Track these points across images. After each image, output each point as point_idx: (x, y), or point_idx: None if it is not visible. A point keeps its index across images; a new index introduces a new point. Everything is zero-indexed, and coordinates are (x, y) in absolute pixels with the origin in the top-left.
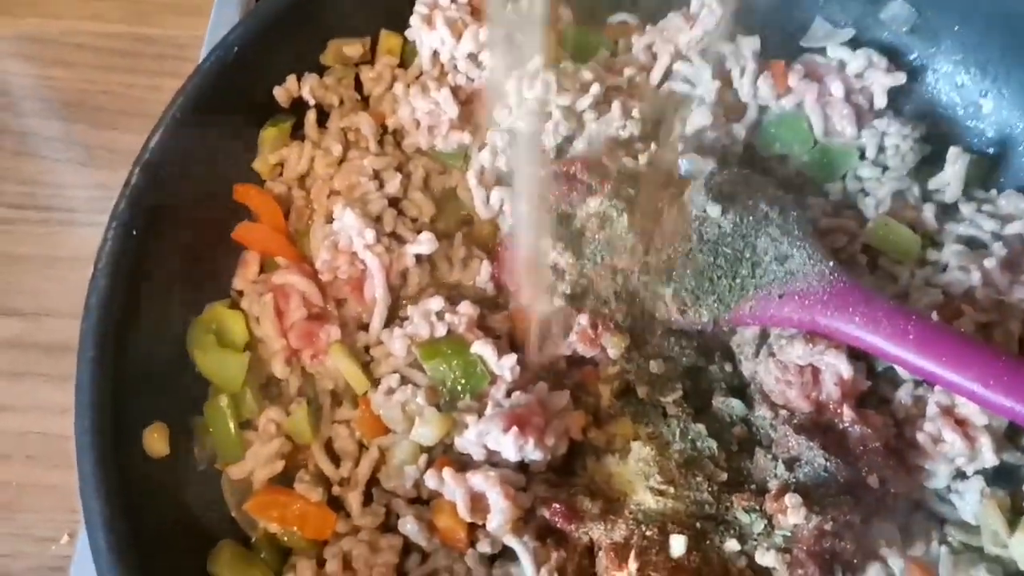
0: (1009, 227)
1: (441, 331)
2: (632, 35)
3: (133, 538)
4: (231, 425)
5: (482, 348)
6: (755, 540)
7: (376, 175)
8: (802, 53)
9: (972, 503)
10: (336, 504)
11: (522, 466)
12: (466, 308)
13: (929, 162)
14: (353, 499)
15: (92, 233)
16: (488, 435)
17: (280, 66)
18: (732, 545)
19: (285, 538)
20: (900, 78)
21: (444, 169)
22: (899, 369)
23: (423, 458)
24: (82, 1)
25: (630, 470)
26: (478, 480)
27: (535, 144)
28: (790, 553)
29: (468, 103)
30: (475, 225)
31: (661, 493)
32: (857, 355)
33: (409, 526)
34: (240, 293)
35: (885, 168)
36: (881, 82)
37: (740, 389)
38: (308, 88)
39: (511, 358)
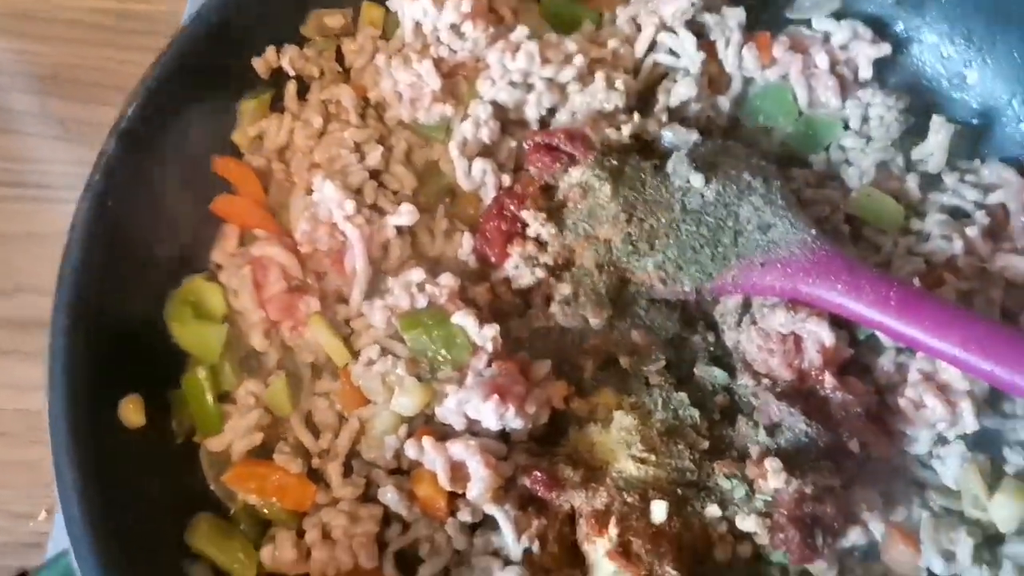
0: (992, 196)
1: (422, 302)
2: (617, 7)
3: (107, 507)
4: (209, 397)
5: (463, 319)
6: (736, 506)
7: (357, 147)
8: (788, 25)
9: (953, 468)
10: (316, 476)
11: (503, 435)
12: (447, 280)
13: (913, 133)
14: (333, 470)
15: (70, 209)
16: (468, 404)
17: (260, 37)
18: (713, 511)
19: (264, 510)
20: (885, 49)
21: (426, 142)
22: (881, 336)
23: (403, 428)
24: None
25: (612, 439)
26: (458, 449)
27: None
28: (771, 518)
29: (451, 75)
30: (457, 197)
31: (643, 461)
32: (839, 323)
33: (389, 495)
34: (219, 266)
35: (869, 139)
36: (866, 53)
37: (723, 358)
38: (288, 59)
39: (492, 328)
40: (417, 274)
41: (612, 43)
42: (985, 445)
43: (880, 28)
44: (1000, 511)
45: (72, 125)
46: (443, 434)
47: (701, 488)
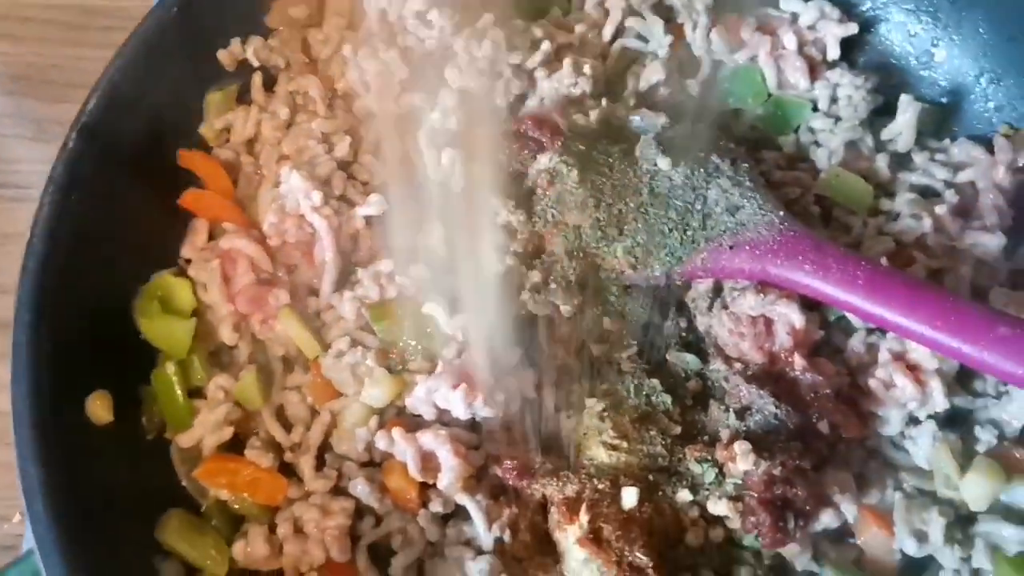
0: (961, 175)
1: (391, 293)
2: None
3: (73, 504)
4: (179, 392)
5: (433, 309)
6: (707, 490)
7: (325, 138)
8: (755, 7)
9: (925, 448)
10: (288, 470)
11: (474, 425)
12: (417, 270)
13: (883, 113)
14: (305, 464)
15: None
16: (436, 392)
17: (224, 28)
18: (684, 496)
19: (236, 505)
20: (852, 28)
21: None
22: (852, 318)
23: (374, 420)
24: None
25: (584, 426)
26: (428, 439)
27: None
28: (742, 501)
29: (418, 65)
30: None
31: (614, 448)
32: (810, 306)
33: (360, 487)
34: (188, 261)
35: (838, 119)
36: (833, 33)
37: (695, 344)
38: (252, 50)
39: (463, 318)
40: (386, 265)
41: (579, 28)
42: (957, 424)
43: (848, 8)
44: (971, 490)
45: (47, 125)
46: (415, 425)
47: (672, 473)
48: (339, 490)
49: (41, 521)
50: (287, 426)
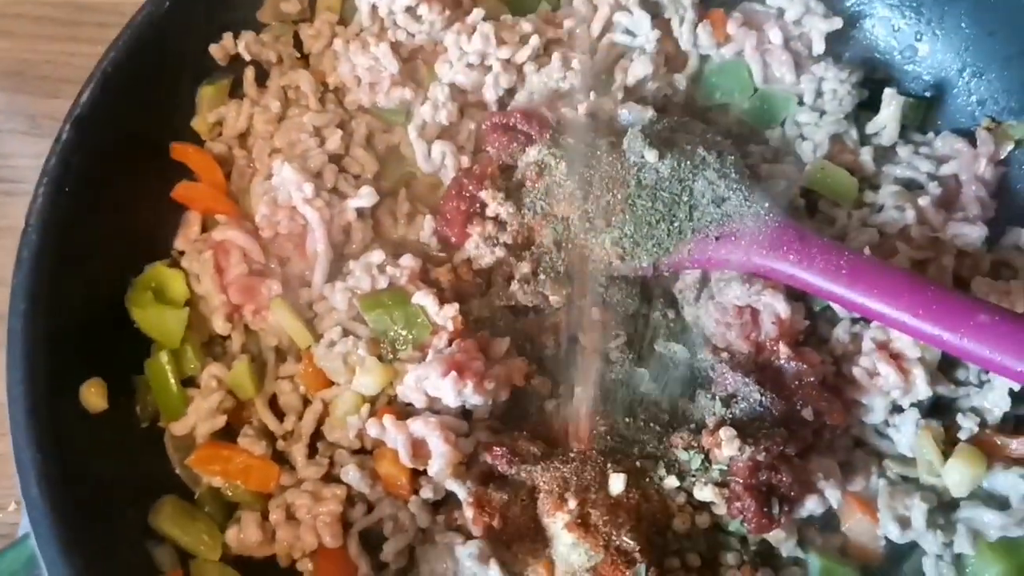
0: (944, 167)
1: (382, 283)
2: None
3: (68, 489)
4: (172, 381)
5: (423, 298)
6: (693, 476)
7: (317, 132)
8: (741, 1)
9: (908, 435)
10: (281, 458)
11: (465, 413)
12: (408, 261)
13: (868, 107)
14: (297, 452)
15: None
16: (426, 380)
17: (216, 23)
18: (671, 482)
19: (229, 492)
20: (837, 23)
21: (387, 127)
22: (836, 308)
23: (366, 408)
24: None
25: (572, 415)
26: (418, 426)
27: None
28: (727, 487)
29: (409, 59)
30: (418, 180)
31: (603, 436)
32: (796, 296)
33: (351, 474)
34: (181, 253)
35: (823, 113)
36: (818, 27)
37: (682, 334)
38: (244, 45)
39: (452, 308)
40: (377, 255)
41: (568, 23)
42: (939, 413)
43: (832, 2)
44: (953, 476)
45: (41, 120)
46: (405, 414)
47: (660, 460)
48: (331, 477)
49: (37, 506)
50: (279, 415)
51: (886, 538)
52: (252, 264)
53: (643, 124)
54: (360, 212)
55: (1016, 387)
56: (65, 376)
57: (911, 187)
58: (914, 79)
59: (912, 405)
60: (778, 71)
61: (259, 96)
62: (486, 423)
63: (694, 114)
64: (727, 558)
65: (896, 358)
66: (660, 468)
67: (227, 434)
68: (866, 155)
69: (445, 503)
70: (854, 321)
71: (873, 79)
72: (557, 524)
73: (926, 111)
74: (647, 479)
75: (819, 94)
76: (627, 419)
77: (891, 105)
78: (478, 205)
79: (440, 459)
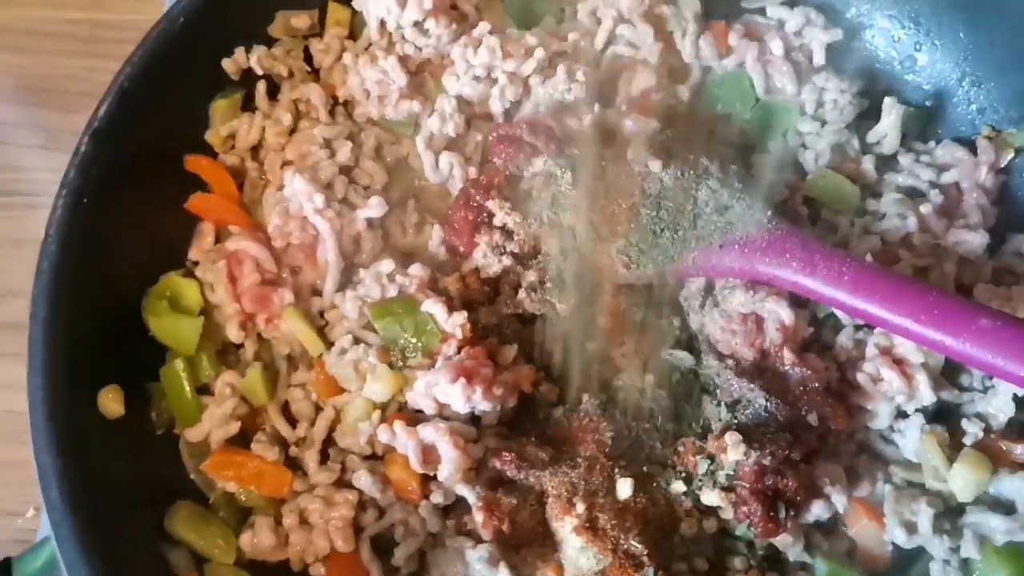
0: (945, 175)
1: (392, 292)
2: (577, 2)
3: (87, 492)
4: (187, 388)
5: (432, 306)
6: (700, 481)
7: (327, 144)
8: (743, 14)
9: (913, 440)
10: (293, 464)
11: (474, 420)
12: (417, 270)
13: (869, 116)
14: (309, 458)
15: None
16: (436, 386)
17: (228, 38)
18: (678, 487)
19: (243, 497)
20: (837, 34)
21: (396, 139)
22: (840, 314)
23: (376, 415)
24: None
25: (580, 421)
26: (428, 432)
27: None
28: (734, 492)
29: (417, 72)
30: (426, 190)
31: (610, 441)
32: (799, 303)
33: (363, 479)
34: (195, 263)
35: (824, 123)
36: (819, 39)
37: (688, 341)
38: (256, 59)
39: (461, 316)
40: (387, 265)
41: (573, 36)
42: (944, 418)
43: (833, 14)
44: (959, 481)
45: (58, 135)
46: (415, 420)
47: (667, 465)
48: (343, 482)
49: (57, 508)
50: (292, 421)
51: (893, 543)
52: (264, 274)
53: (647, 134)
54: (370, 222)
55: (1020, 392)
56: (83, 383)
57: (913, 195)
58: (914, 89)
59: (917, 411)
60: (779, 82)
61: (271, 109)
62: (495, 429)
63: (697, 125)
64: (734, 562)
65: (900, 364)
66: (667, 473)
67: (241, 440)
68: (868, 164)
69: (455, 508)
70: (858, 327)
71: (873, 89)
72: (566, 528)
73: (927, 120)
74: (654, 484)
75: (820, 104)
76: (634, 425)
77: (892, 114)
78: (485, 215)
79: (450, 464)
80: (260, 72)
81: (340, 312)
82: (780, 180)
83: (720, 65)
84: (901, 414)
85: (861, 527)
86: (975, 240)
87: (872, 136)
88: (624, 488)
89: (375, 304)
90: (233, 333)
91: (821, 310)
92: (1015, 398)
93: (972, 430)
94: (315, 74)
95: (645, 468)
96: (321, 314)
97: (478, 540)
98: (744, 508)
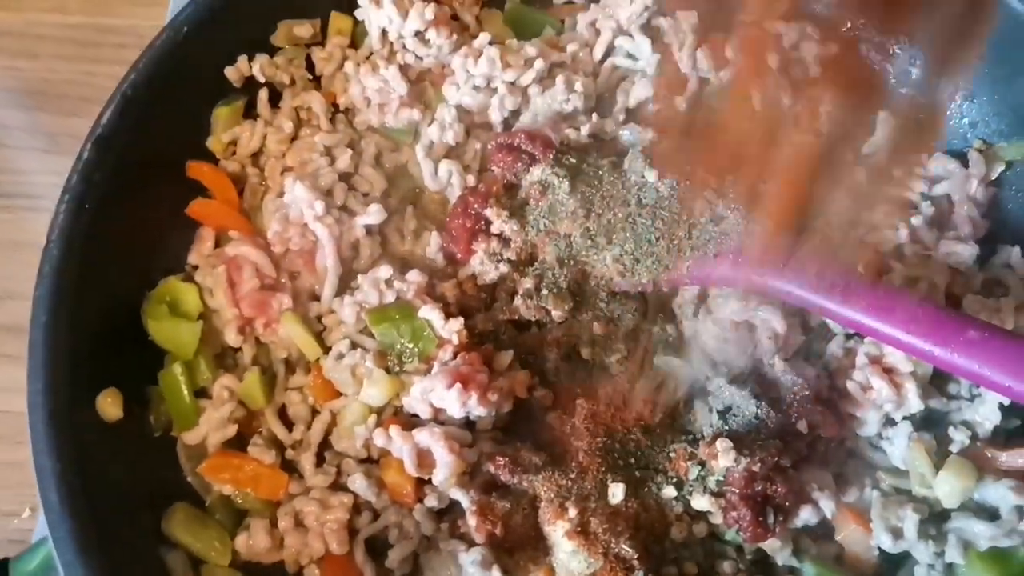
0: (937, 187)
1: (390, 298)
2: (577, 13)
3: (85, 494)
4: (185, 392)
5: (429, 313)
6: (691, 486)
7: (327, 151)
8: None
9: (901, 448)
10: (290, 467)
11: (469, 424)
12: (414, 276)
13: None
14: (306, 461)
15: None
16: (432, 392)
17: (231, 46)
18: (669, 492)
19: (239, 499)
20: (833, 49)
21: (396, 146)
22: (831, 323)
23: (372, 419)
24: None
25: (574, 426)
26: (423, 436)
27: None
28: (724, 497)
29: (417, 81)
30: (424, 197)
31: (602, 447)
32: (792, 312)
33: (358, 482)
34: (195, 268)
35: None
36: (814, 53)
37: (681, 348)
38: (259, 67)
39: (457, 322)
40: (385, 271)
41: (572, 47)
42: (931, 426)
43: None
44: (944, 487)
45: (59, 138)
46: (411, 424)
47: (658, 470)
48: (338, 485)
49: (55, 511)
50: (289, 425)
51: (879, 548)
52: (263, 279)
53: (644, 144)
54: (368, 229)
55: (1006, 401)
56: (82, 386)
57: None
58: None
59: (905, 418)
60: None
61: (272, 117)
62: (489, 434)
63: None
64: (723, 566)
65: (889, 372)
66: (658, 478)
67: (238, 443)
68: (860, 175)
69: (449, 511)
70: (848, 336)
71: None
72: (558, 532)
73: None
74: (646, 489)
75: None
76: (626, 430)
77: (885, 128)
78: (483, 222)
79: (444, 468)
80: (262, 80)
81: (338, 317)
82: None
83: (716, 77)
84: (889, 421)
85: (849, 532)
86: (965, 252)
87: (865, 149)
88: (616, 493)
89: (373, 309)
90: (231, 337)
91: (813, 319)
92: (1001, 407)
93: (959, 438)
94: (316, 82)
95: (637, 473)
96: (319, 319)
97: (471, 543)
98: (734, 513)
